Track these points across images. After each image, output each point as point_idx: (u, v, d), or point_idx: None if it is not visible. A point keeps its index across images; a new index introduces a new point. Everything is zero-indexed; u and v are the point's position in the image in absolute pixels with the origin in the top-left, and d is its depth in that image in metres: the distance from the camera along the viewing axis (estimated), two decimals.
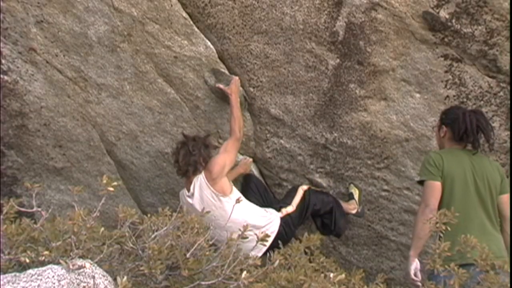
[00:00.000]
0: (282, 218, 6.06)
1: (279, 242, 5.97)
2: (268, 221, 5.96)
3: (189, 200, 5.84)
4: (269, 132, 6.36)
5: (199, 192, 5.82)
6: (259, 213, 5.96)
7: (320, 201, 6.33)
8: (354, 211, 6.46)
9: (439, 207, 4.96)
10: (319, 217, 6.40)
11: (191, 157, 5.82)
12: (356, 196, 6.49)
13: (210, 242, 3.84)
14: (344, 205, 6.43)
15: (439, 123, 5.56)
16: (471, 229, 4.88)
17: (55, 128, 6.27)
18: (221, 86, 6.03)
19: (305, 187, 6.36)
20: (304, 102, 6.17)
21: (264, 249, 5.58)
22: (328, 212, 6.34)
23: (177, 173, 5.99)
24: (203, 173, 5.86)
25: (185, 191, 5.94)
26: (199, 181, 5.85)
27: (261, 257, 5.52)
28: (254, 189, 6.35)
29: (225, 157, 5.93)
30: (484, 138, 5.29)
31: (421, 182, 5.32)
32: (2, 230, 3.49)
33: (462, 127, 5.25)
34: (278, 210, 6.12)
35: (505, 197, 5.28)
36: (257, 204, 6.08)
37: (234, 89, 5.97)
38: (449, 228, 4.34)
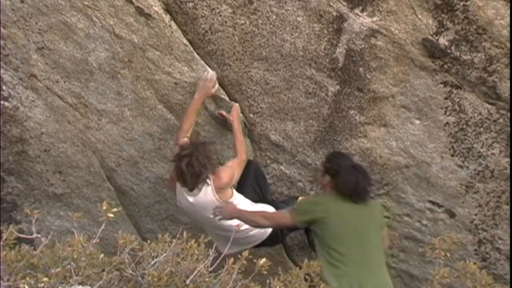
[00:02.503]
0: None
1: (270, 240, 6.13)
2: None
3: (190, 198, 5.74)
4: (269, 158, 6.36)
5: (204, 196, 5.73)
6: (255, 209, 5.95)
7: None
8: None
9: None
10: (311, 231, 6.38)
11: (200, 178, 5.59)
12: None
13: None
14: None
15: (323, 169, 5.72)
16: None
17: (55, 154, 6.27)
18: (223, 112, 6.04)
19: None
20: (304, 128, 6.18)
21: (252, 245, 5.88)
22: None
23: (181, 183, 5.71)
24: (212, 180, 5.72)
25: (184, 190, 5.77)
26: (205, 186, 5.73)
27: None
28: (252, 177, 6.26)
29: (234, 171, 5.86)
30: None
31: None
32: (2, 256, 3.48)
33: (342, 186, 5.37)
34: (276, 207, 6.08)
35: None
36: (252, 193, 6.07)
37: (235, 115, 5.97)
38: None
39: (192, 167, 5.51)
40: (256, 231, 5.89)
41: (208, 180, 5.66)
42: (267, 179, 6.42)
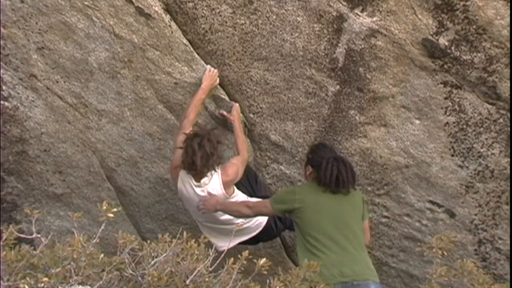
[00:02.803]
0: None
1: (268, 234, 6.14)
2: None
3: (197, 190, 5.73)
4: (269, 158, 6.36)
5: (211, 190, 5.73)
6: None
7: None
8: None
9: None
10: None
11: (210, 159, 5.61)
12: None
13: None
14: None
15: (306, 159, 5.70)
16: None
17: (55, 154, 6.27)
18: (224, 112, 6.04)
19: None
20: (304, 128, 6.18)
21: (247, 237, 5.98)
22: None
23: (187, 168, 5.72)
24: (220, 174, 5.76)
25: (192, 180, 5.76)
26: (214, 179, 5.74)
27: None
28: (244, 178, 6.26)
29: (239, 168, 5.88)
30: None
31: None
32: (2, 256, 3.48)
33: (323, 177, 5.34)
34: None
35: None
36: (245, 192, 6.08)
37: (236, 115, 5.98)
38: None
39: (203, 147, 5.52)
40: (251, 223, 5.92)
41: (216, 171, 5.70)
42: (267, 179, 6.43)
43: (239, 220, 5.70)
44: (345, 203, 5.33)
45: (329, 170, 5.30)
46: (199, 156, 5.54)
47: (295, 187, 5.87)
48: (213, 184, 5.74)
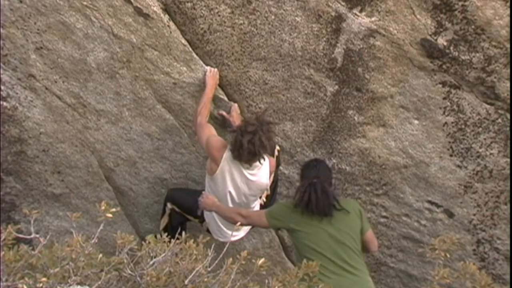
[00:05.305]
0: (261, 205, 6.10)
1: None
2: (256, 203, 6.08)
3: (248, 175, 5.71)
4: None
5: (260, 176, 5.76)
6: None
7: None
8: None
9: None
10: None
11: (256, 156, 5.56)
12: None
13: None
14: None
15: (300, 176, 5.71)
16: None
17: (53, 154, 6.27)
18: (223, 113, 6.05)
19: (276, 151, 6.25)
20: (303, 128, 6.18)
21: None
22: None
23: (235, 156, 5.64)
24: (268, 163, 5.78)
25: (241, 163, 5.69)
26: (264, 167, 5.75)
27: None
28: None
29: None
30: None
31: None
32: (1, 256, 3.48)
33: (297, 200, 5.34)
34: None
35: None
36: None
37: (235, 115, 5.99)
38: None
39: (252, 145, 5.46)
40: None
41: (263, 161, 5.67)
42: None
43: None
44: (338, 223, 5.28)
45: (299, 195, 5.32)
46: (246, 153, 5.51)
47: (291, 203, 5.78)
48: (263, 171, 5.76)
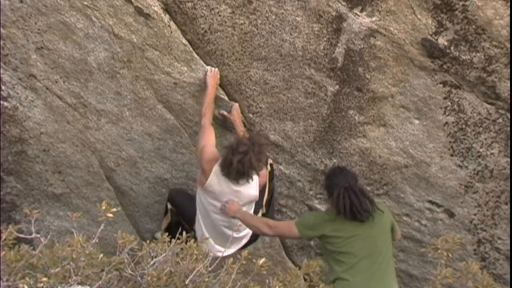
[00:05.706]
0: None
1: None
2: None
3: (234, 186, 5.69)
4: (269, 158, 6.35)
5: (249, 187, 5.74)
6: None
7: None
8: None
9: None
10: None
11: (244, 176, 5.56)
12: None
13: None
14: None
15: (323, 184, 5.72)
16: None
17: (54, 154, 6.27)
18: (224, 112, 6.05)
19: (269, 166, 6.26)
20: (304, 128, 6.18)
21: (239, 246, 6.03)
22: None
23: (224, 172, 5.65)
24: (258, 177, 5.78)
25: (229, 179, 5.69)
26: (255, 181, 5.74)
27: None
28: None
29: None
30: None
31: None
32: (1, 256, 3.48)
33: (337, 208, 5.28)
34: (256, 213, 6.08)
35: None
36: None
37: (236, 115, 6.00)
38: None
39: (242, 165, 5.47)
40: (246, 231, 5.94)
41: (251, 181, 5.66)
42: None
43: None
44: (372, 227, 5.27)
45: (341, 201, 5.24)
46: (234, 171, 5.52)
47: (323, 213, 5.72)
48: (252, 183, 5.73)
